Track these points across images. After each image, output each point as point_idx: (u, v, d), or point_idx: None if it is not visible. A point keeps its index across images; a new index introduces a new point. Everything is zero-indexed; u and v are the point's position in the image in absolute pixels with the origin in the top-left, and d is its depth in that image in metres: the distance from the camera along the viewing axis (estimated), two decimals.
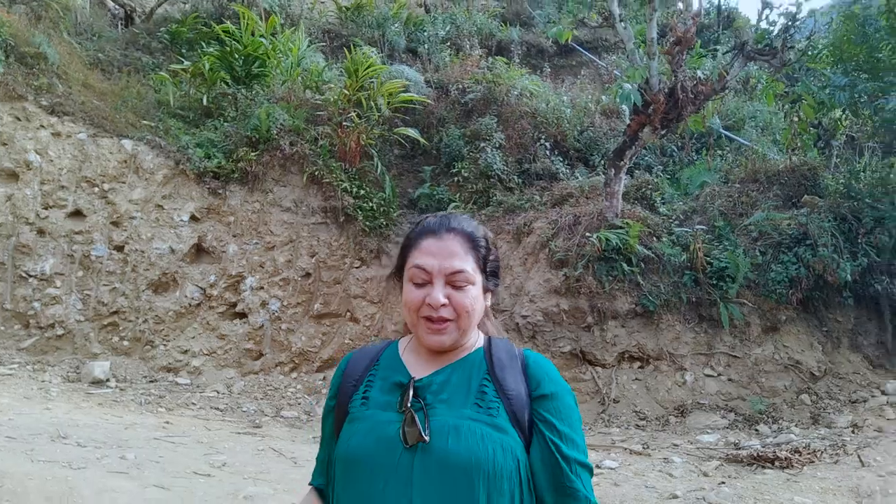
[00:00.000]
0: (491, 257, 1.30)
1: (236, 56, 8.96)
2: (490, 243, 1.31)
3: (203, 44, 9.58)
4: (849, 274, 6.16)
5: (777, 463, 4.50)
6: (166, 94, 8.60)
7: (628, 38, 6.42)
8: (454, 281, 1.22)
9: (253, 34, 9.01)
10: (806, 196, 7.00)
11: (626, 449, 5.10)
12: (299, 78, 8.65)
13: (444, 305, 1.21)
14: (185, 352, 7.11)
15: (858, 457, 4.57)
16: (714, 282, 6.37)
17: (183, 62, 9.15)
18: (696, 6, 7.15)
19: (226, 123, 8.28)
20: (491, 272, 1.30)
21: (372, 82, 8.21)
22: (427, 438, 1.13)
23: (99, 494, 3.59)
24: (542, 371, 1.26)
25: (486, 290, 1.29)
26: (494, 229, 7.36)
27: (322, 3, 13.60)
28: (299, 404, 6.67)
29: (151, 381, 6.69)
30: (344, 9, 12.95)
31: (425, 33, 12.29)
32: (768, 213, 6.73)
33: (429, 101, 8.44)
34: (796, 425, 5.58)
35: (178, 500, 3.62)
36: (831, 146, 8.18)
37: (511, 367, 1.26)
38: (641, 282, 6.38)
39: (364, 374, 1.31)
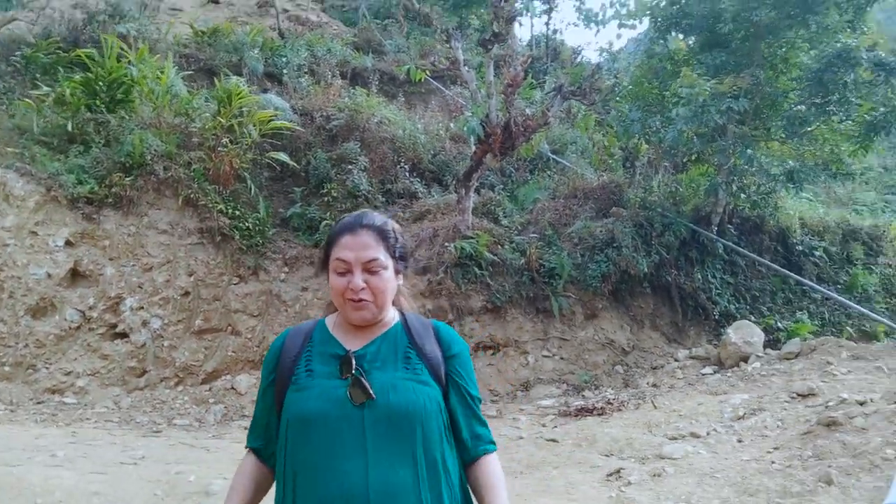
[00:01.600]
0: (398, 245, 1.59)
1: (101, 82, 9.19)
2: (397, 234, 1.60)
3: (61, 69, 9.69)
4: (645, 267, 7.94)
5: (595, 412, 5.97)
6: (26, 121, 8.65)
7: (471, 80, 7.79)
8: (370, 267, 1.50)
9: (118, 59, 9.28)
10: (613, 208, 8.78)
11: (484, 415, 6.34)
12: (169, 105, 9.08)
13: (363, 289, 1.49)
14: (69, 373, 7.33)
15: (653, 403, 6.15)
16: (546, 279, 7.87)
17: (40, 87, 9.21)
18: (520, 46, 8.72)
19: (95, 149, 8.51)
20: (399, 257, 1.59)
21: (243, 110, 8.90)
22: (374, 397, 1.42)
23: (46, 481, 4.13)
24: (449, 336, 1.61)
25: (397, 271, 1.58)
26: None
27: (176, 27, 13.83)
28: (189, 414, 7.20)
29: (39, 403, 6.90)
30: (200, 33, 13.33)
31: (283, 59, 13.04)
32: (585, 223, 8.40)
33: (299, 128, 9.25)
34: (612, 389, 7.16)
35: (118, 481, 4.26)
36: (635, 167, 10.17)
37: (426, 335, 1.59)
38: (490, 283, 7.73)
39: (301, 349, 1.56)
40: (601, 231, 8.23)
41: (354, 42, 15.53)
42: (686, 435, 5.03)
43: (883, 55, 7.10)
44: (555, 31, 19.60)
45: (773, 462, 4.16)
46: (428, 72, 9.53)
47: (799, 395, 5.51)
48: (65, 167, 8.17)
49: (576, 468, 4.53)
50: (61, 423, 6.31)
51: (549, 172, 9.96)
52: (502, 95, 7.50)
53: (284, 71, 12.61)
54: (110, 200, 8.13)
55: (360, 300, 1.49)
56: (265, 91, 11.09)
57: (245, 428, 6.39)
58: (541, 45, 19.10)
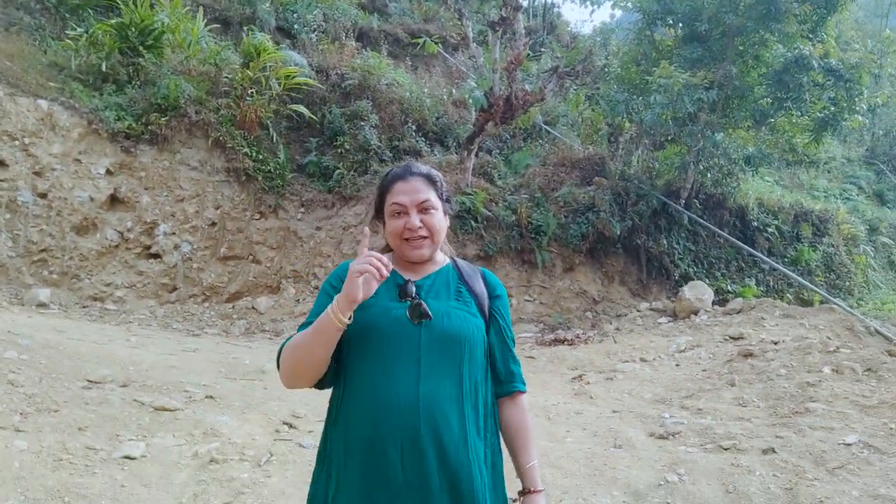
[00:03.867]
0: (444, 189, 1.77)
1: (133, 28, 10.11)
2: (441, 180, 1.77)
3: (91, 10, 10.61)
4: (619, 231, 9.25)
5: (566, 343, 7.34)
6: (60, 58, 9.58)
7: (478, 55, 8.91)
8: (424, 207, 1.67)
9: (152, 6, 10.21)
10: (596, 177, 10.05)
11: None
12: (200, 54, 10.07)
13: (420, 227, 1.66)
14: (109, 284, 8.51)
15: (613, 339, 7.54)
16: (533, 235, 9.15)
17: (72, 27, 10.11)
18: (522, 28, 9.84)
19: (130, 89, 9.51)
20: (446, 199, 1.77)
21: (267, 65, 9.93)
22: (431, 317, 1.59)
23: (131, 356, 5.36)
24: (495, 280, 1.83)
25: (445, 213, 1.76)
26: (374, 193, 9.59)
27: None
28: (216, 325, 8.41)
29: (84, 307, 8.07)
30: None
31: (295, 14, 13.96)
32: (570, 188, 9.67)
33: (319, 84, 10.31)
34: (582, 329, 8.53)
35: (187, 360, 5.50)
36: (618, 142, 11.41)
37: (474, 276, 1.79)
38: (484, 234, 8.99)
39: None
40: (584, 197, 9.50)
41: (360, 2, 16.40)
42: (636, 359, 6.41)
43: (833, 63, 8.39)
44: (552, 5, 20.58)
45: (697, 375, 5.55)
46: (440, 46, 10.55)
47: (731, 337, 6.92)
48: (103, 104, 9.18)
49: (549, 374, 5.89)
50: (110, 323, 7.50)
51: (541, 142, 11.18)
52: (505, 71, 8.65)
53: (296, 26, 13.54)
54: (146, 137, 9.19)
55: (419, 237, 1.67)
56: (277, 45, 12.07)
57: (269, 339, 7.67)
58: (538, 16, 20.08)
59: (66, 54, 9.65)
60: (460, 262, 1.84)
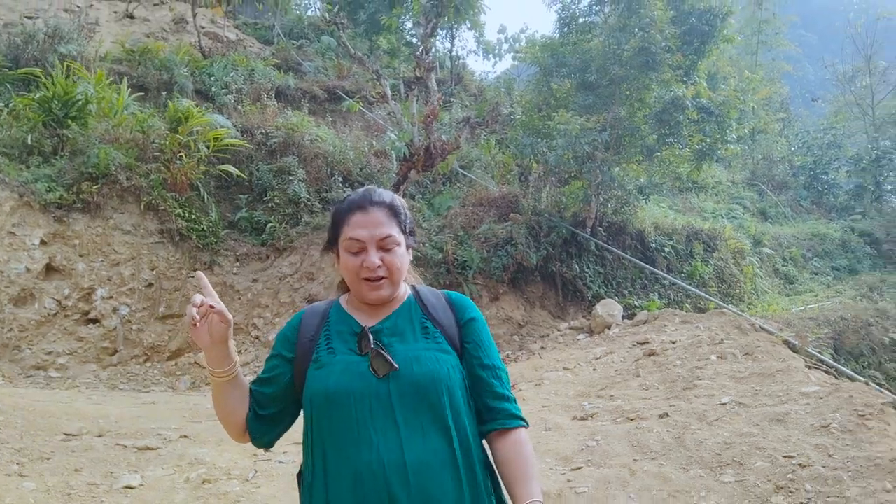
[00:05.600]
0: (408, 221, 1.65)
1: (56, 100, 10.58)
2: (405, 209, 1.65)
3: (7, 85, 11.01)
4: (536, 260, 10.38)
5: None
6: None
7: (398, 111, 9.97)
8: (384, 245, 1.56)
9: (67, 77, 10.70)
10: (511, 213, 11.20)
11: None
12: (126, 122, 10.64)
13: (379, 266, 1.54)
14: (50, 353, 8.76)
15: (539, 356, 8.54)
16: (460, 270, 10.12)
17: None
18: (434, 86, 11.03)
19: (58, 161, 9.94)
20: (410, 232, 1.66)
21: (196, 129, 10.61)
22: (397, 367, 1.47)
23: (97, 410, 5.85)
24: (462, 304, 1.68)
25: (408, 247, 1.64)
26: (307, 243, 10.36)
27: (105, 45, 15.09)
28: (161, 383, 8.81)
29: (28, 377, 8.30)
30: (131, 51, 14.72)
31: (211, 77, 14.70)
32: (490, 225, 10.76)
33: (248, 145, 11.05)
34: (510, 351, 9.50)
35: (151, 411, 6.04)
36: (528, 181, 12.68)
37: (439, 305, 1.65)
38: (411, 273, 9.90)
39: (319, 328, 1.61)
40: (502, 232, 10.60)
41: (274, 62, 17.29)
42: (560, 368, 7.41)
43: (704, 101, 9.97)
44: (458, 58, 22.17)
45: (610, 374, 6.60)
46: (360, 104, 11.56)
47: (638, 343, 8.05)
48: (32, 176, 9.56)
49: None
50: (59, 389, 7.82)
51: (459, 184, 12.29)
52: (423, 124, 9.73)
53: (213, 89, 14.27)
54: (78, 205, 9.60)
55: (378, 278, 1.54)
56: (198, 108, 12.74)
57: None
58: (444, 68, 21.60)
59: None
60: (422, 289, 1.73)
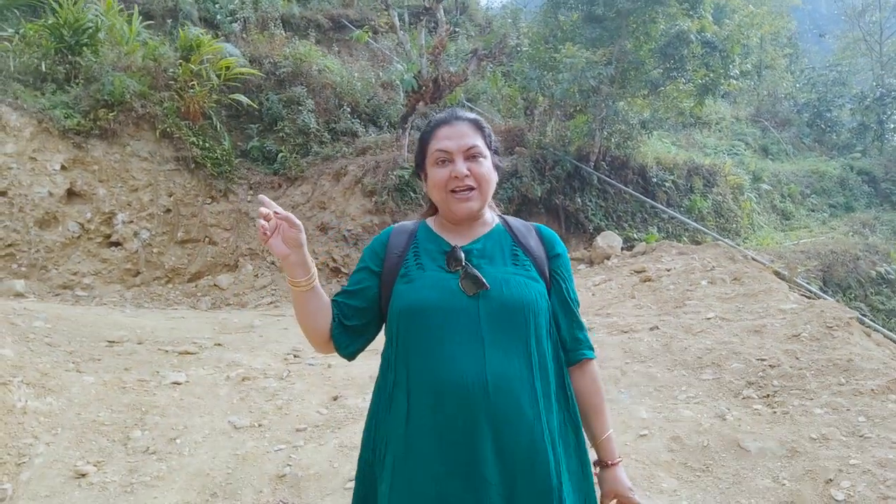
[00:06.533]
0: (493, 138, 1.67)
1: (66, 27, 10.76)
2: (489, 129, 1.67)
3: (15, 11, 11.18)
4: (540, 193, 10.82)
5: None
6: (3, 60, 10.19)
7: (406, 42, 10.20)
8: (472, 153, 1.57)
9: (82, 6, 10.87)
10: (517, 147, 11.57)
11: None
12: (138, 50, 10.86)
13: (467, 175, 1.55)
14: (76, 273, 9.33)
15: None
16: None
17: (4, 30, 10.67)
18: (442, 17, 11.20)
19: (73, 87, 10.23)
20: (495, 151, 1.66)
21: (207, 58, 10.85)
22: (488, 286, 1.49)
23: (132, 321, 6.43)
24: (552, 237, 1.72)
25: (494, 165, 1.64)
26: (317, 173, 10.77)
27: None
28: (183, 304, 9.40)
29: (57, 295, 8.89)
30: None
31: (216, 4, 14.73)
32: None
33: (258, 74, 11.31)
34: None
35: (183, 323, 6.62)
36: (534, 114, 12.98)
37: (529, 235, 1.68)
38: (423, 204, 10.33)
39: (407, 245, 1.64)
40: (508, 165, 10.99)
41: None
42: None
43: (709, 36, 10.20)
44: None
45: (608, 297, 7.16)
46: (369, 34, 11.74)
47: (636, 272, 8.60)
48: (50, 103, 9.88)
49: None
50: (89, 306, 8.41)
51: None
52: (431, 56, 9.99)
53: (218, 17, 14.34)
54: (96, 132, 9.96)
55: (466, 188, 1.55)
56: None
57: (238, 310, 8.78)
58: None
59: (3, 56, 10.23)
60: (511, 219, 1.74)
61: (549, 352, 1.55)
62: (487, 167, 1.59)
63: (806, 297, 6.53)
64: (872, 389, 3.59)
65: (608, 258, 10.14)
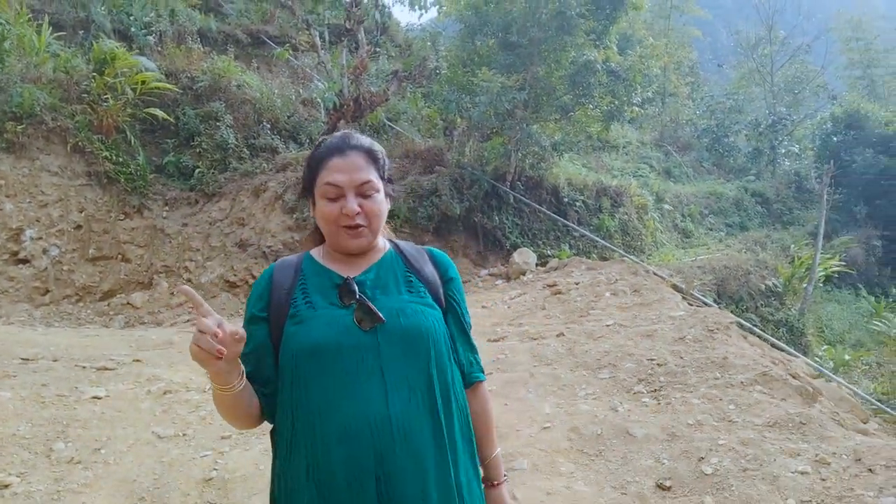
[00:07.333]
0: (387, 167, 1.61)
1: None
2: (383, 155, 1.61)
3: None
4: (458, 211, 11.29)
5: None
6: None
7: (327, 61, 10.49)
8: (363, 191, 1.51)
9: None
10: (437, 166, 12.03)
11: None
12: (49, 62, 10.66)
13: (358, 213, 1.49)
14: None
15: None
16: (388, 220, 10.89)
17: None
18: (363, 38, 11.56)
19: None
20: (388, 179, 1.62)
21: (122, 71, 10.76)
22: (384, 320, 1.45)
23: (46, 339, 6.38)
24: (444, 261, 1.71)
25: (387, 195, 1.61)
26: (236, 188, 10.85)
27: None
28: (95, 322, 9.26)
29: None
30: None
31: (130, 17, 14.54)
32: (416, 177, 11.56)
33: (175, 89, 11.28)
34: None
35: (98, 341, 6.61)
36: (453, 135, 13.50)
37: (423, 260, 1.66)
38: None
39: (294, 282, 1.56)
40: (427, 183, 11.42)
41: (195, 3, 17.08)
42: (479, 307, 8.40)
43: (613, 65, 11.04)
44: (384, 6, 22.45)
45: (521, 309, 7.65)
46: (289, 52, 11.95)
47: (548, 286, 9.16)
48: None
49: None
50: None
51: (386, 136, 12.97)
52: (352, 75, 10.33)
53: (132, 29, 14.16)
54: (3, 145, 9.70)
55: (357, 226, 1.51)
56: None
57: (154, 328, 8.75)
58: (370, 15, 21.86)
59: None
60: (402, 244, 1.73)
61: (451, 380, 1.54)
62: (379, 202, 1.56)
63: (697, 306, 7.24)
64: (742, 382, 4.18)
65: (524, 273, 10.70)
